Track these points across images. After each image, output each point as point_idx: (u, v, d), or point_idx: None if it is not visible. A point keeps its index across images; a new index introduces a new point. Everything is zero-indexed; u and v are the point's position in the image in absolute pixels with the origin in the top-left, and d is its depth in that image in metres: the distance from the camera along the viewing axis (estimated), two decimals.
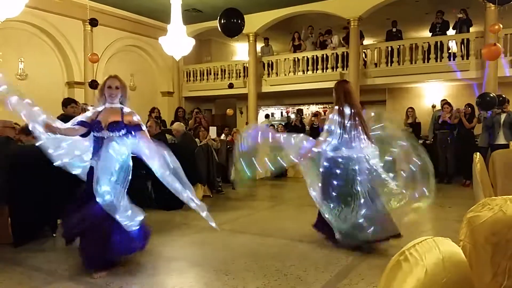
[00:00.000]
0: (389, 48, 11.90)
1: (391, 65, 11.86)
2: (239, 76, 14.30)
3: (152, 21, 13.52)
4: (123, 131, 3.56)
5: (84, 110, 6.19)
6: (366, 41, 13.55)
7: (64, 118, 5.95)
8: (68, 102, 6.23)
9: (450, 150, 9.02)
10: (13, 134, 4.95)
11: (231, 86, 13.79)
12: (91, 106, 6.01)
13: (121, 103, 3.71)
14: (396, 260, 0.93)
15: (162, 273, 3.67)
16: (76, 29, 11.77)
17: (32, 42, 11.18)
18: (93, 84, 9.67)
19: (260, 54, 14.27)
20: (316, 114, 10.80)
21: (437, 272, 0.95)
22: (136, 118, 3.67)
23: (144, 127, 3.73)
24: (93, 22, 10.11)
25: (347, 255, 4.01)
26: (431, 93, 13.45)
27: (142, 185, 6.74)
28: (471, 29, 11.32)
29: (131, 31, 13.34)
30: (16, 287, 3.33)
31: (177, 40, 8.26)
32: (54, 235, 4.81)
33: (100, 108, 3.67)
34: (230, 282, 3.32)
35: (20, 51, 10.81)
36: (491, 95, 8.07)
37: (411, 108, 10.52)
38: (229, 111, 13.62)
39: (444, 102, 9.50)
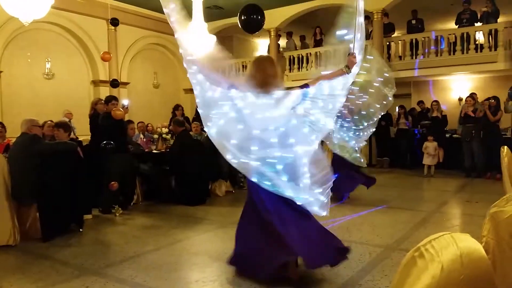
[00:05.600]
0: (414, 40, 11.64)
1: (415, 58, 11.60)
2: None
3: None
4: None
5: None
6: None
7: (107, 115, 6.12)
8: (109, 99, 6.37)
9: (475, 144, 8.79)
10: (40, 132, 5.11)
11: None
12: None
13: None
14: (411, 256, 0.91)
15: (185, 267, 3.72)
16: (100, 29, 11.98)
17: (58, 42, 11.44)
18: (114, 83, 9.81)
19: (282, 49, 14.17)
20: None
21: (454, 269, 0.92)
22: None
23: None
24: (114, 22, 10.23)
25: (370, 251, 3.97)
26: (458, 86, 13.11)
27: (166, 180, 6.85)
28: (499, 19, 10.93)
29: (153, 29, 13.49)
30: (45, 280, 3.42)
31: (198, 38, 8.30)
32: (81, 230, 4.93)
33: None
34: (252, 277, 3.33)
35: (47, 51, 11.09)
36: None
37: (435, 101, 10.32)
38: None
39: (468, 96, 9.27)
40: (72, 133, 6.78)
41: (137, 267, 3.66)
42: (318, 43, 13.44)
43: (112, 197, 5.76)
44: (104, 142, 5.73)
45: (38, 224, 4.62)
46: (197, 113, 9.95)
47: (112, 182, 5.63)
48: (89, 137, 6.78)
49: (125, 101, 6.67)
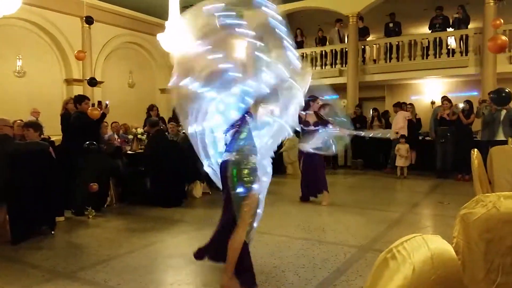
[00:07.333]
0: (388, 44, 11.87)
1: (390, 62, 11.84)
2: None
3: (151, 17, 13.48)
4: None
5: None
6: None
7: (80, 115, 5.98)
8: (81, 99, 6.21)
9: (449, 146, 9.03)
10: (11, 132, 4.97)
11: None
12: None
13: None
14: (383, 258, 0.93)
15: (159, 270, 3.68)
16: (74, 26, 11.72)
17: (30, 39, 11.14)
18: (92, 82, 9.60)
19: None
20: None
21: (425, 270, 0.94)
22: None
23: None
24: (89, 20, 10.00)
25: (345, 252, 4.02)
26: (430, 89, 13.45)
27: (141, 181, 6.76)
28: (470, 26, 11.28)
29: (129, 28, 13.31)
30: (14, 284, 3.33)
31: (175, 37, 8.22)
32: (52, 232, 4.82)
33: None
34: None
35: (18, 48, 10.77)
36: (507, 90, 7.68)
37: (410, 104, 10.53)
38: None
39: (443, 99, 9.49)
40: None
41: (111, 270, 3.60)
42: (299, 45, 13.51)
43: (86, 198, 5.65)
44: (87, 142, 5.62)
45: (8, 226, 4.49)
46: (174, 114, 9.86)
47: (92, 184, 5.52)
48: (61, 137, 6.62)
49: (106, 101, 6.66)
